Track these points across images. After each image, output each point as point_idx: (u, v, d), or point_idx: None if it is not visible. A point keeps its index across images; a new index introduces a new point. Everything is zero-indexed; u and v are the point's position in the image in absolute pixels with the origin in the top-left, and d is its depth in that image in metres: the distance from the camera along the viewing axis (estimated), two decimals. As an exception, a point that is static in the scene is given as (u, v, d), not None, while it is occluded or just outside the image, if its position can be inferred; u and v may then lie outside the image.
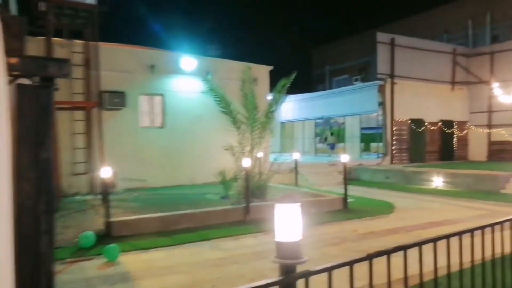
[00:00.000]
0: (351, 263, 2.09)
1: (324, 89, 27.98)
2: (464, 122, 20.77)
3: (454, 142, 20.43)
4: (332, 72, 31.75)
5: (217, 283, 4.86)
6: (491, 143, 20.19)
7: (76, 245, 6.37)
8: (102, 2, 10.92)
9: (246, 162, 8.74)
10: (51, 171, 3.55)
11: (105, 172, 7.50)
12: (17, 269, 3.15)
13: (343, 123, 23.24)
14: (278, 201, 1.97)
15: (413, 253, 2.43)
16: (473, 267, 2.82)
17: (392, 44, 18.56)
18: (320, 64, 33.28)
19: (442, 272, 2.66)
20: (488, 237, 2.91)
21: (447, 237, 2.63)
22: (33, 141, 3.46)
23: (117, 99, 12.41)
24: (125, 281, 4.98)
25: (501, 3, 22.98)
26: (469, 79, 20.71)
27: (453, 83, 20.36)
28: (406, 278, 2.44)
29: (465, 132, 20.72)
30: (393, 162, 18.35)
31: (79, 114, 11.82)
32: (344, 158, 10.27)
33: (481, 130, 20.29)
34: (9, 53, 3.32)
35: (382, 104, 18.41)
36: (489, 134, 20.15)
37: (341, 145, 23.04)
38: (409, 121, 18.80)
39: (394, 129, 18.43)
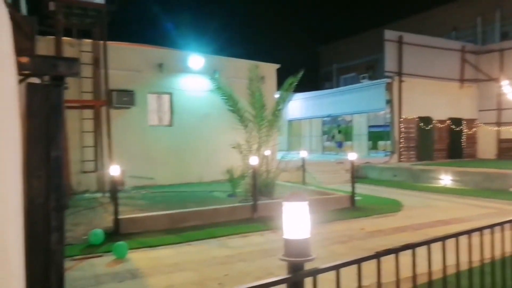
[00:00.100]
0: (359, 261, 2.09)
1: (331, 87, 27.88)
2: (473, 120, 20.58)
3: (462, 140, 20.25)
4: (339, 70, 31.64)
5: (224, 280, 4.88)
6: (500, 141, 19.99)
7: (85, 242, 6.44)
8: (110, 1, 10.98)
9: (254, 160, 8.75)
10: (61, 169, 3.59)
11: (114, 170, 7.56)
12: (28, 265, 3.20)
13: (351, 121, 23.15)
14: (286, 199, 1.98)
15: (421, 251, 2.42)
16: (482, 266, 2.79)
17: (400, 41, 18.43)
18: (327, 62, 33.17)
19: (451, 270, 2.65)
20: (497, 235, 2.89)
21: (456, 235, 2.62)
22: (44, 140, 3.50)
23: (125, 98, 12.49)
24: (134, 278, 5.03)
25: (510, 0, 22.70)
26: (478, 77, 20.50)
27: (461, 80, 20.17)
28: (414, 277, 2.43)
29: (474, 130, 20.52)
30: (401, 160, 18.25)
31: (88, 113, 11.91)
32: (352, 156, 10.23)
33: (490, 128, 20.09)
34: (19, 52, 3.36)
35: (389, 102, 18.30)
36: (498, 132, 19.94)
37: (348, 143, 22.95)
38: (417, 119, 18.67)
39: (401, 127, 18.32)
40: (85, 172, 11.86)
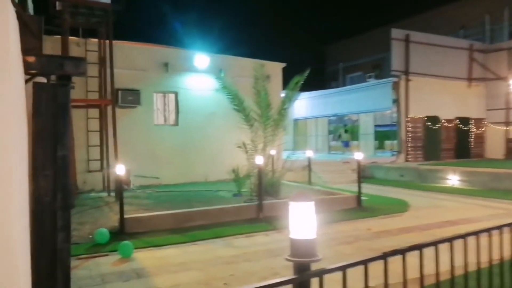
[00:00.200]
0: (365, 262, 2.07)
1: (337, 86, 27.77)
2: (481, 120, 20.39)
3: (470, 139, 20.08)
4: (345, 69, 31.51)
5: (229, 280, 4.87)
6: (508, 141, 19.78)
7: (91, 242, 6.47)
8: (116, 0, 11.02)
9: (259, 160, 8.73)
10: (67, 168, 3.60)
11: (119, 170, 7.58)
12: (34, 264, 3.21)
13: (357, 120, 23.05)
14: (292, 199, 1.97)
15: (429, 252, 2.39)
16: (490, 267, 2.76)
17: (407, 40, 18.31)
18: (333, 61, 33.05)
19: (459, 271, 2.62)
20: (506, 236, 2.85)
21: (464, 236, 2.59)
22: (50, 139, 3.51)
23: (131, 97, 12.54)
24: (139, 277, 5.04)
25: (520, -2, 22.46)
26: (486, 76, 20.31)
27: (469, 79, 20.00)
28: (422, 278, 2.40)
29: (481, 129, 20.34)
30: (408, 160, 18.14)
31: (94, 112, 11.97)
32: (358, 155, 10.18)
33: (499, 127, 19.90)
34: (27, 52, 3.38)
35: (396, 101, 18.20)
36: (506, 132, 19.74)
37: (355, 142, 22.86)
38: (424, 118, 18.55)
39: (408, 126, 18.21)
40: (90, 171, 11.92)
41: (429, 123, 18.63)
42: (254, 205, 8.52)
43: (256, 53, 14.55)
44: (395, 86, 18.12)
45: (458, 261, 2.56)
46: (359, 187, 9.74)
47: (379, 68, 27.01)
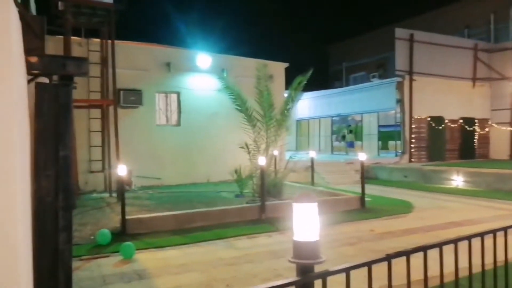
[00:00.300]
0: (369, 264, 2.05)
1: (341, 86, 27.70)
2: (486, 120, 20.29)
3: (475, 140, 19.98)
4: (349, 69, 31.42)
5: (232, 282, 4.85)
6: (513, 141, 19.67)
7: (92, 242, 6.46)
8: (118, 0, 11.03)
9: (262, 160, 8.71)
10: (69, 168, 3.59)
11: (121, 170, 7.57)
12: (36, 264, 3.21)
13: (361, 120, 22.98)
14: (295, 200, 1.95)
15: (433, 254, 2.36)
16: (495, 268, 2.73)
17: (411, 40, 18.24)
18: (337, 60, 32.97)
19: (463, 273, 2.59)
20: (511, 237, 2.82)
21: (469, 238, 2.56)
22: (53, 139, 3.51)
23: (133, 97, 12.54)
24: (141, 278, 5.02)
25: (524, -3, 22.33)
26: (491, 76, 20.20)
27: (474, 79, 19.90)
28: (426, 279, 2.38)
29: (486, 130, 20.23)
30: (412, 160, 18.07)
31: (96, 112, 11.98)
32: (361, 156, 10.14)
33: (504, 128, 19.78)
34: (29, 52, 3.37)
35: (400, 101, 18.13)
36: (511, 132, 19.62)
37: (358, 143, 22.80)
38: (428, 119, 18.46)
39: (412, 126, 18.14)
40: (92, 171, 11.93)
41: (433, 124, 18.55)
42: (256, 206, 8.49)
43: (259, 53, 14.54)
44: (399, 86, 18.06)
45: (463, 263, 2.54)
46: (363, 188, 9.69)
47: (382, 68, 26.93)
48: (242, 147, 9.90)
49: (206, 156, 13.92)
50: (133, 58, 12.93)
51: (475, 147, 20.00)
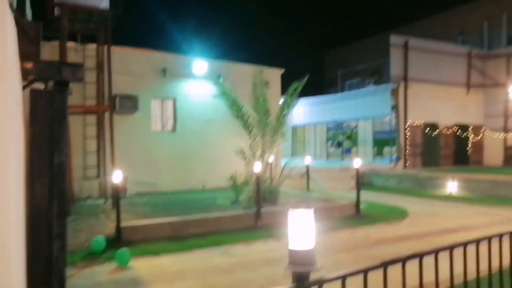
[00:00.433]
0: (365, 271, 2.04)
1: (336, 93, 27.85)
2: (480, 126, 20.44)
3: (469, 146, 20.10)
4: (344, 75, 31.60)
5: (228, 288, 4.83)
6: (507, 148, 19.82)
7: (87, 250, 6.40)
8: (115, 6, 11.04)
9: (257, 167, 8.70)
10: (64, 175, 3.57)
11: (116, 176, 7.53)
12: (29, 272, 3.17)
13: (356, 127, 23.07)
14: (291, 207, 1.95)
15: (428, 260, 2.37)
16: (490, 275, 2.74)
17: (406, 46, 18.39)
18: (332, 67, 33.17)
19: (459, 280, 2.60)
20: (506, 244, 2.83)
21: (464, 244, 2.57)
22: (47, 145, 3.49)
23: (129, 103, 12.51)
24: (136, 286, 4.98)
25: (517, 5, 22.65)
26: (484, 82, 20.40)
27: (468, 86, 20.07)
28: (421, 286, 2.38)
29: (480, 136, 20.37)
30: (407, 166, 18.13)
31: (91, 118, 11.93)
32: (357, 162, 10.15)
33: (497, 134, 19.93)
34: (25, 58, 3.36)
35: (395, 107, 18.23)
36: (505, 139, 19.78)
37: (353, 149, 22.87)
38: (423, 125, 18.57)
39: (407, 133, 18.23)
40: (87, 178, 11.85)
41: (428, 130, 18.65)
42: (252, 212, 8.47)
43: (255, 59, 14.57)
44: (394, 92, 18.17)
45: (458, 269, 2.54)
46: (358, 194, 9.70)
47: (378, 74, 27.12)
48: (238, 153, 9.89)
49: (201, 162, 13.89)
50: (129, 64, 12.91)
51: (469, 153, 20.13)
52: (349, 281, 1.96)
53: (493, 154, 20.14)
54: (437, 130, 18.91)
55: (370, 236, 7.48)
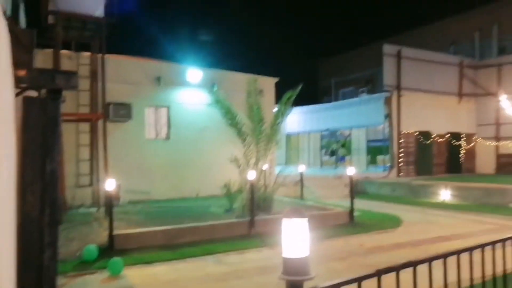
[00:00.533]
0: (359, 280, 2.04)
1: (330, 101, 28.00)
2: (472, 135, 20.63)
3: (461, 154, 20.26)
4: (338, 84, 31.79)
5: (221, 297, 4.78)
6: (499, 156, 20.00)
7: (79, 259, 6.32)
8: (109, 14, 11.05)
9: (251, 175, 8.69)
10: (56, 183, 3.54)
11: (109, 185, 7.48)
12: (20, 281, 3.12)
13: (349, 135, 23.18)
14: (285, 215, 1.94)
15: (422, 268, 2.37)
16: (483, 283, 2.75)
17: (399, 56, 18.57)
18: (326, 76, 33.37)
19: (453, 288, 2.60)
20: (499, 252, 2.85)
21: (458, 252, 2.58)
22: (39, 153, 3.46)
23: (122, 111, 12.46)
24: (129, 294, 4.92)
25: (508, 15, 23.02)
26: (476, 91, 20.63)
27: (460, 95, 20.29)
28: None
29: (472, 144, 20.55)
30: (400, 174, 18.21)
31: (84, 126, 11.86)
32: (350, 171, 10.18)
33: (489, 142, 20.12)
34: (18, 65, 3.35)
35: (388, 116, 18.35)
36: (497, 147, 19.97)
37: (347, 157, 22.95)
38: (416, 133, 18.70)
39: (400, 141, 18.33)
40: (80, 186, 11.74)
41: (421, 138, 18.79)
42: (246, 221, 8.43)
43: (249, 68, 14.63)
44: (387, 101, 18.30)
45: (452, 277, 2.54)
46: (352, 203, 9.71)
47: (371, 83, 27.33)
48: (232, 161, 9.87)
49: (195, 170, 13.83)
50: (123, 72, 12.90)
51: (462, 161, 20.28)
52: (343, 290, 1.95)
53: (485, 162, 20.31)
54: (430, 138, 19.05)
55: (364, 244, 7.47)
